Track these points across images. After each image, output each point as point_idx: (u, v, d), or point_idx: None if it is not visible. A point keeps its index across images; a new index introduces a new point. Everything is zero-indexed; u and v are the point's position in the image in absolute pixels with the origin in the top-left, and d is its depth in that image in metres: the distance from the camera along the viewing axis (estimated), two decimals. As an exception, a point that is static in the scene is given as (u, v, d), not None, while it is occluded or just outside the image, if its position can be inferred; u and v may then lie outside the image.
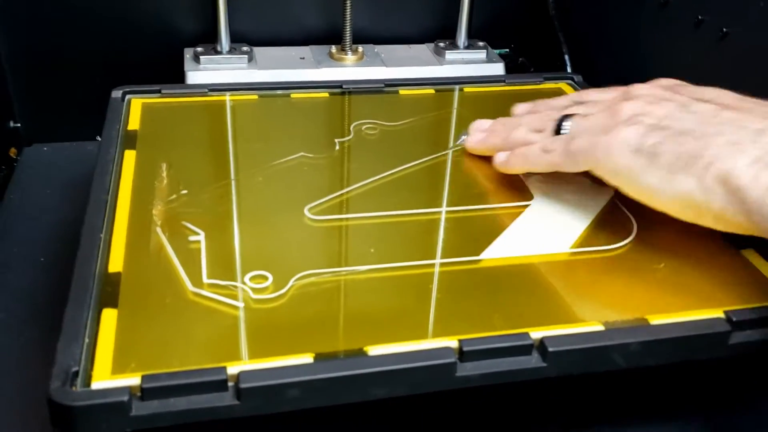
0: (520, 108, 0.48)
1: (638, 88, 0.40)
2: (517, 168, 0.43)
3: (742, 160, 0.32)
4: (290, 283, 0.35)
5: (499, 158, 0.44)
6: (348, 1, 0.61)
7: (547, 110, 0.45)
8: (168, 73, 0.62)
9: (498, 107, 0.54)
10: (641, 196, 0.36)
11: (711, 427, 0.38)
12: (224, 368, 0.29)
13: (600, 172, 0.37)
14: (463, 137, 0.48)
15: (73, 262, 0.36)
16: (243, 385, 0.29)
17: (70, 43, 0.61)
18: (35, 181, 0.58)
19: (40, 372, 0.39)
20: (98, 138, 0.62)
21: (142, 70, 0.62)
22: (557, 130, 0.41)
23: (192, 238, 0.38)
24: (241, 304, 0.34)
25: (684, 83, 0.41)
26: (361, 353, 0.31)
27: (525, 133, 0.43)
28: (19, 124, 0.62)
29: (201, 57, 0.59)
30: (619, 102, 0.38)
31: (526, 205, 0.42)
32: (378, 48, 0.65)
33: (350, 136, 0.48)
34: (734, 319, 0.33)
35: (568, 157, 0.39)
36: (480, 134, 0.47)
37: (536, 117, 0.45)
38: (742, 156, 0.32)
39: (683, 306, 0.34)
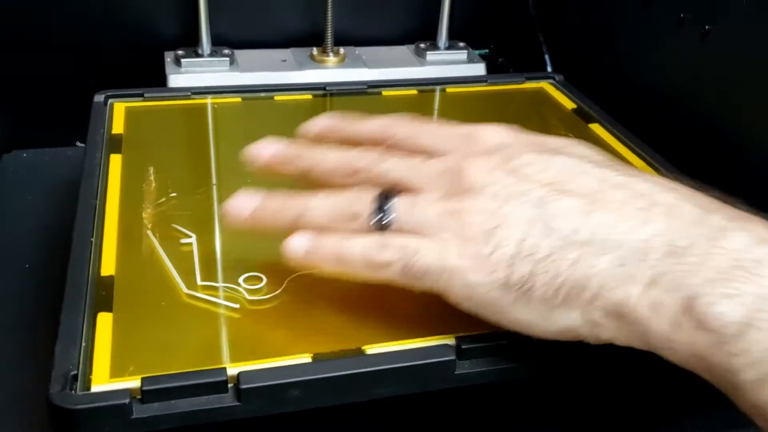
0: (315, 127, 0.38)
1: (475, 174, 0.31)
2: (324, 268, 0.32)
3: (634, 288, 0.27)
4: (284, 284, 0.35)
5: (295, 244, 0.32)
6: (329, 3, 0.61)
7: (355, 160, 0.34)
8: (148, 77, 0.61)
9: (480, 107, 0.55)
10: (512, 328, 0.30)
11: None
12: (224, 369, 0.29)
13: (452, 301, 0.31)
14: None
15: (59, 267, 0.36)
16: (243, 386, 0.29)
17: (49, 48, 0.61)
18: (16, 188, 0.57)
19: (30, 378, 0.39)
20: (78, 143, 0.62)
21: (122, 74, 0.62)
22: (378, 218, 0.31)
23: (184, 240, 0.37)
24: (236, 306, 0.33)
25: (518, 143, 0.34)
26: (359, 353, 0.31)
27: (327, 211, 0.33)
28: (-3, 131, 0.61)
29: (182, 60, 0.59)
30: (460, 197, 0.31)
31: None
32: (359, 50, 0.66)
33: (336, 138, 0.48)
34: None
35: (409, 279, 0.31)
36: (247, 201, 0.35)
37: (341, 175, 0.34)
38: (634, 282, 0.27)
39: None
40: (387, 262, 0.31)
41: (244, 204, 0.34)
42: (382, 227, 0.31)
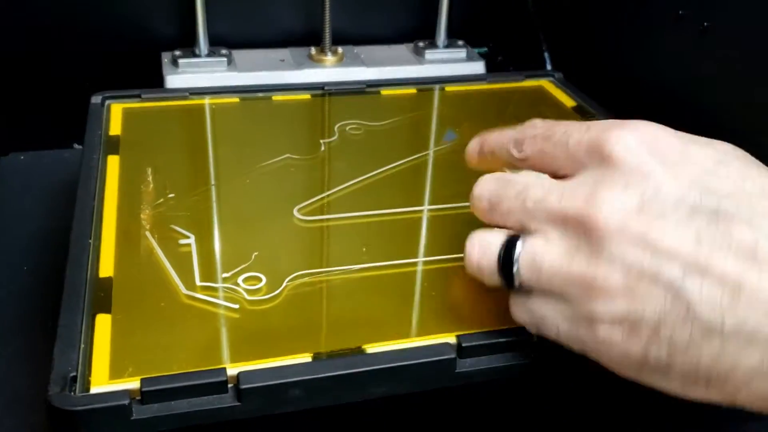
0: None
1: (601, 231, 0.27)
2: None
3: None
4: (284, 284, 0.35)
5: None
6: (327, 2, 0.61)
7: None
8: (145, 78, 0.61)
9: (480, 105, 0.55)
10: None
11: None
12: (224, 369, 0.29)
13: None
14: (451, 136, 0.48)
15: (57, 269, 0.35)
16: (243, 386, 0.29)
17: (45, 49, 0.60)
18: (14, 190, 0.57)
19: (29, 381, 0.39)
20: (75, 146, 0.62)
21: (119, 76, 0.62)
22: (506, 259, 0.30)
23: (182, 241, 0.37)
24: (235, 306, 0.33)
25: (670, 172, 0.28)
26: (359, 352, 0.31)
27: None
28: (-6, 133, 0.61)
29: (179, 61, 0.59)
30: (587, 254, 0.27)
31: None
32: (357, 49, 0.65)
33: (335, 137, 0.48)
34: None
35: (534, 327, 0.30)
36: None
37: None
38: None
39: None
40: (523, 322, 0.31)
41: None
42: (507, 273, 0.30)
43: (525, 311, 0.30)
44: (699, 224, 0.26)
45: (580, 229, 0.28)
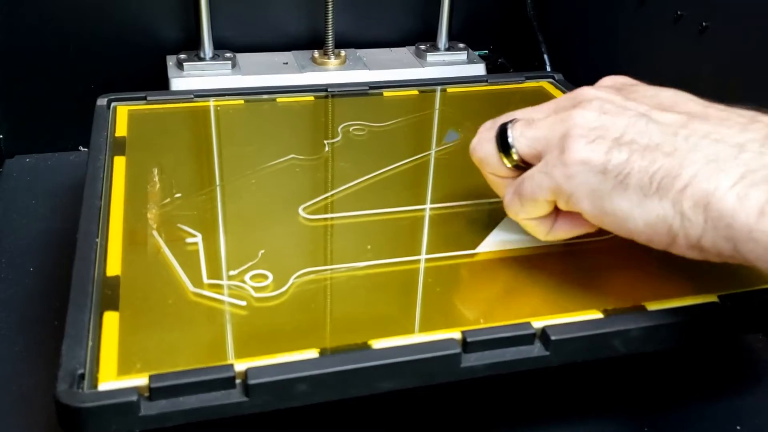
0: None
1: (586, 92, 0.35)
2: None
3: (724, 180, 0.28)
4: (290, 282, 0.35)
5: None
6: (329, 6, 0.62)
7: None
8: (150, 81, 0.62)
9: (481, 106, 0.55)
10: (610, 222, 0.32)
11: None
12: (231, 365, 0.29)
13: (564, 204, 0.33)
14: (453, 136, 0.48)
15: (62, 270, 0.36)
16: (251, 382, 0.29)
17: (50, 53, 0.61)
18: (19, 192, 0.57)
19: (35, 379, 0.40)
20: (81, 148, 0.62)
21: (124, 79, 0.62)
22: (504, 143, 0.35)
23: (189, 240, 0.38)
24: (243, 303, 0.34)
25: (634, 82, 0.37)
26: (365, 347, 0.31)
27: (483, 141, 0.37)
28: (1, 136, 0.61)
29: (184, 63, 0.59)
30: (569, 110, 0.34)
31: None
32: (360, 52, 0.66)
33: (339, 138, 0.49)
34: (728, 303, 0.34)
35: (527, 207, 0.35)
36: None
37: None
38: (724, 175, 0.29)
39: (678, 292, 0.35)
40: (508, 200, 0.35)
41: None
42: (504, 146, 0.35)
43: (511, 184, 0.35)
44: (664, 96, 0.34)
45: (569, 100, 0.35)
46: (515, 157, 0.35)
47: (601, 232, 0.38)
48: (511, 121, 0.35)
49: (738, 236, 0.28)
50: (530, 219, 0.36)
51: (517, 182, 0.35)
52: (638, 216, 0.31)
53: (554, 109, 0.35)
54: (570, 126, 0.32)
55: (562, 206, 0.34)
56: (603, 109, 0.33)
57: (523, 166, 0.35)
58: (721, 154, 0.29)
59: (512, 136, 0.35)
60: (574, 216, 0.34)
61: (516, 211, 0.36)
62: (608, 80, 0.38)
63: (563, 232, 0.36)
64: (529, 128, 0.34)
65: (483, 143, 0.36)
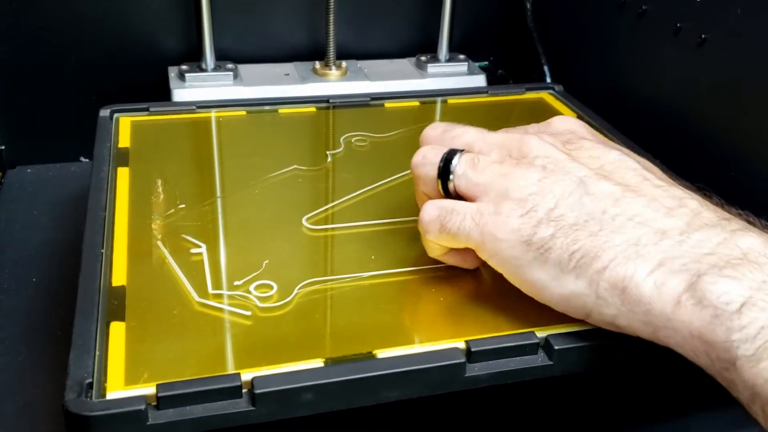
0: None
1: (532, 145, 0.34)
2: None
3: (642, 266, 0.29)
4: (295, 292, 0.35)
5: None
6: (331, 18, 0.62)
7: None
8: (152, 92, 0.62)
9: (481, 117, 0.55)
10: (527, 289, 0.33)
11: None
12: (238, 375, 0.30)
13: (484, 256, 0.34)
14: None
15: (65, 281, 0.36)
16: (258, 391, 0.29)
17: (53, 64, 0.61)
18: (21, 203, 0.57)
19: (40, 390, 0.40)
20: (82, 159, 0.63)
21: (126, 90, 0.62)
22: (445, 172, 0.35)
23: (194, 250, 0.38)
24: (248, 313, 0.34)
25: (583, 132, 0.37)
26: (370, 356, 0.32)
27: (421, 159, 0.37)
28: (2, 147, 0.61)
29: (186, 75, 0.60)
30: (513, 165, 0.34)
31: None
32: (361, 63, 0.66)
33: (341, 148, 0.49)
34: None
35: (447, 236, 0.35)
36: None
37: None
38: (642, 261, 0.29)
39: None
40: (429, 220, 0.35)
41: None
42: (444, 175, 0.35)
43: (438, 206, 0.35)
44: (608, 160, 0.34)
45: (515, 145, 0.35)
46: (451, 188, 0.35)
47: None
48: (459, 153, 0.35)
49: (656, 323, 0.29)
50: (435, 243, 0.36)
51: (445, 210, 0.34)
52: (554, 289, 0.31)
53: (504, 146, 0.35)
54: (510, 187, 0.33)
55: (480, 255, 0.34)
56: (544, 171, 0.33)
57: (454, 196, 0.35)
58: (643, 238, 0.30)
59: (455, 172, 0.35)
60: (470, 252, 0.35)
61: (431, 235, 0.35)
62: (559, 123, 0.38)
63: (453, 260, 0.37)
64: (473, 170, 0.35)
65: (426, 165, 0.36)
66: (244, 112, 0.53)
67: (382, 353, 0.32)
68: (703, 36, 0.49)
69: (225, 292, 0.35)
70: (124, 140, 0.48)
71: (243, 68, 0.63)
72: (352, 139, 0.50)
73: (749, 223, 0.31)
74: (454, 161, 0.35)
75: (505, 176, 0.33)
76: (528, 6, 0.69)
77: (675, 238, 0.30)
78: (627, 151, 0.36)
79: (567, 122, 0.38)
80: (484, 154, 0.35)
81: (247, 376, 0.30)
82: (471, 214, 0.33)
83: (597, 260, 0.30)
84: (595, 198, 0.32)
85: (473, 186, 0.34)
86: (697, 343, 0.28)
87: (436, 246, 0.36)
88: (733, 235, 0.29)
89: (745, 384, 0.26)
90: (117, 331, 0.32)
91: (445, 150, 0.36)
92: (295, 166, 0.46)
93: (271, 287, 0.35)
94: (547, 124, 0.38)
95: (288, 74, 0.63)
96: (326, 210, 0.42)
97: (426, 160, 0.36)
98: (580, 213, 0.31)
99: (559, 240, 0.31)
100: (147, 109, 0.52)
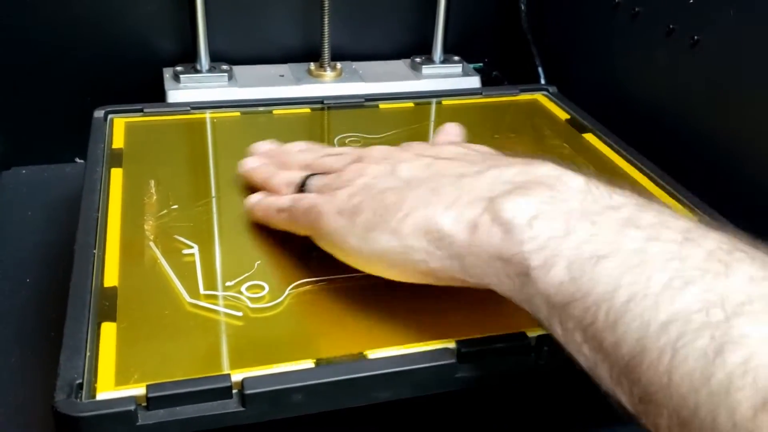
0: (259, 147, 0.45)
1: (374, 149, 0.39)
2: (259, 219, 0.40)
3: (441, 204, 0.31)
4: (286, 293, 0.35)
5: (251, 200, 0.41)
6: (326, 19, 0.62)
7: (295, 165, 0.42)
8: (147, 93, 0.62)
9: (476, 118, 0.55)
10: (348, 260, 0.34)
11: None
12: (228, 375, 0.30)
13: (316, 238, 0.36)
14: None
15: (59, 281, 0.36)
16: (248, 392, 0.29)
17: (47, 65, 0.61)
18: (16, 204, 0.57)
19: (32, 390, 0.40)
20: (77, 160, 0.63)
21: (121, 91, 0.62)
22: (301, 188, 0.38)
23: (186, 251, 0.38)
24: (239, 314, 0.34)
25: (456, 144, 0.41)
26: (361, 357, 0.32)
27: (280, 182, 0.40)
28: (-3, 148, 0.61)
29: (181, 76, 0.60)
30: (349, 164, 0.37)
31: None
32: (356, 64, 0.66)
33: (334, 150, 0.49)
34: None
35: (293, 220, 0.37)
36: (254, 161, 0.44)
37: (298, 166, 0.42)
38: (440, 201, 0.31)
39: None
40: (285, 208, 0.38)
41: (248, 163, 0.43)
42: (301, 191, 0.38)
43: (256, 199, 0.40)
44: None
45: (356, 161, 0.37)
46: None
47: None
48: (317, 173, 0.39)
49: (461, 253, 0.30)
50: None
51: (294, 199, 0.38)
52: (364, 249, 0.33)
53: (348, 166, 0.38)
54: (338, 182, 0.36)
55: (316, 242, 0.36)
56: (372, 161, 0.37)
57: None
58: (442, 184, 0.32)
59: (311, 182, 0.38)
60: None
61: (280, 215, 0.38)
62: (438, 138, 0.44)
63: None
64: (322, 180, 0.38)
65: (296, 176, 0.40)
66: (238, 113, 0.53)
67: (372, 354, 0.32)
68: (695, 37, 0.50)
69: (216, 292, 0.35)
70: (118, 141, 0.48)
71: (238, 69, 0.63)
72: (347, 140, 0.50)
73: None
74: (311, 179, 0.38)
75: (339, 176, 0.37)
76: (522, 8, 0.69)
77: (472, 176, 0.32)
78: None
79: (446, 138, 0.43)
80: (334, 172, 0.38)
81: (237, 376, 0.30)
82: (311, 202, 0.36)
83: (399, 211, 0.32)
84: (411, 168, 0.34)
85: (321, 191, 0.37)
86: (498, 265, 0.29)
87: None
88: (528, 166, 0.31)
89: (541, 296, 0.27)
90: (108, 331, 0.32)
91: (300, 177, 0.39)
92: (289, 167, 0.46)
93: (263, 288, 0.35)
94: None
95: (282, 75, 0.63)
96: (319, 211, 0.42)
97: (294, 179, 0.40)
98: (392, 181, 0.34)
99: (366, 202, 0.33)
100: (141, 110, 0.52)
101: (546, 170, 0.31)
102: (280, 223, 0.38)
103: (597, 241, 0.27)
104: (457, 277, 0.30)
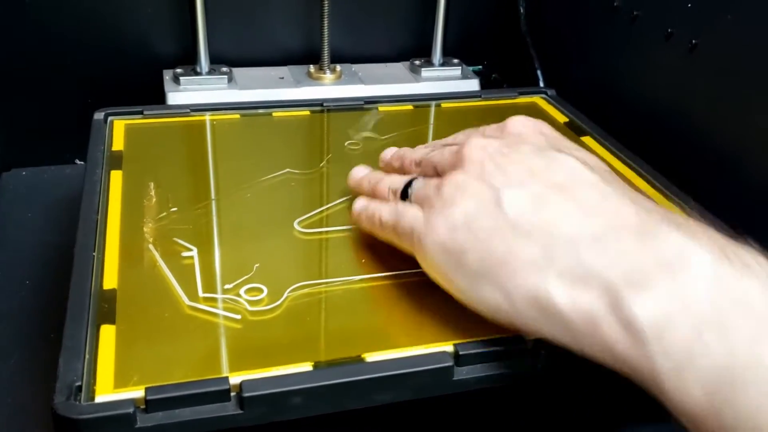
0: (387, 153, 0.44)
1: (474, 148, 0.35)
2: (365, 229, 0.39)
3: (551, 272, 0.29)
4: (285, 295, 0.35)
5: (355, 207, 0.40)
6: (325, 22, 0.62)
7: (408, 162, 0.41)
8: (146, 95, 0.62)
9: (475, 121, 0.55)
10: (456, 296, 0.33)
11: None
12: (227, 378, 0.30)
13: (418, 260, 0.35)
14: None
15: (59, 283, 0.36)
16: (246, 394, 0.29)
17: (47, 67, 0.61)
18: (16, 206, 0.58)
19: (31, 393, 0.40)
20: (77, 161, 0.63)
21: (121, 93, 0.62)
22: (404, 195, 0.37)
23: (185, 254, 0.38)
24: (238, 317, 0.34)
25: (530, 137, 0.37)
26: (359, 360, 0.32)
27: (384, 188, 0.40)
28: (-3, 149, 0.62)
29: (181, 78, 0.60)
30: (451, 169, 0.35)
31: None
32: (355, 67, 0.67)
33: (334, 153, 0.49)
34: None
35: (395, 237, 0.36)
36: (361, 170, 0.43)
37: (399, 169, 0.42)
38: (551, 266, 0.29)
39: None
40: (388, 222, 0.37)
41: (357, 173, 0.43)
42: (403, 198, 0.37)
43: (362, 206, 0.39)
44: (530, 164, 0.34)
45: (457, 157, 0.35)
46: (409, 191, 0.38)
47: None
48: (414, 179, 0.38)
49: (578, 338, 0.29)
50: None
51: (397, 212, 0.36)
52: (472, 294, 0.32)
53: (450, 166, 0.36)
54: (438, 197, 0.34)
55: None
56: (469, 180, 0.34)
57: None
58: (554, 246, 0.30)
59: (413, 188, 0.37)
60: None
61: (384, 230, 0.37)
62: (512, 126, 0.38)
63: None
64: (424, 185, 0.36)
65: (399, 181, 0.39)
66: (238, 116, 0.54)
67: (371, 357, 0.32)
68: (694, 41, 0.50)
69: (215, 295, 0.35)
70: (118, 143, 0.48)
71: (237, 72, 0.63)
72: (346, 143, 0.50)
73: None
74: (413, 185, 0.37)
75: (439, 186, 0.35)
76: (522, 11, 0.69)
77: (587, 238, 0.29)
78: (576, 153, 0.35)
79: (520, 125, 0.38)
80: (438, 173, 0.37)
81: (236, 379, 0.30)
82: (412, 219, 0.35)
83: (506, 264, 0.30)
84: (514, 201, 0.32)
85: (422, 200, 0.36)
86: (621, 365, 0.28)
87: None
88: (648, 229, 0.29)
89: (672, 406, 0.26)
90: (107, 334, 0.32)
91: (410, 177, 0.38)
92: (288, 170, 0.46)
93: (262, 291, 0.36)
94: (503, 126, 0.38)
95: (282, 78, 0.64)
96: (318, 213, 0.42)
97: (396, 185, 0.39)
98: (495, 219, 0.32)
99: (470, 244, 0.32)
100: (141, 112, 0.52)
101: (669, 245, 0.28)
102: (385, 238, 0.38)
103: (734, 364, 0.25)
104: (569, 347, 0.29)
